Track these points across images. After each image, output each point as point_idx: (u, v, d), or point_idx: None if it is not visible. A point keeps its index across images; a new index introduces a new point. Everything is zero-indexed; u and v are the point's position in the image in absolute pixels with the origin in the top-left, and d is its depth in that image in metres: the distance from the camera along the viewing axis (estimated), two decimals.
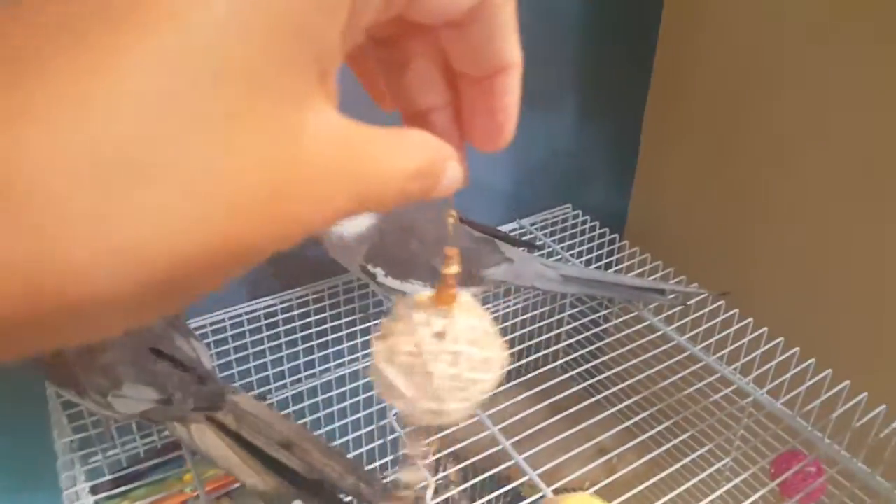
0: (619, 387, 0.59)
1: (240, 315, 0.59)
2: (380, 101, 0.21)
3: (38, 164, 0.11)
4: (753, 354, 0.58)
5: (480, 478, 0.51)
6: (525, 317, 0.70)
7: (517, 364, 0.63)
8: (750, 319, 0.61)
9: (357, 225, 0.55)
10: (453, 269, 0.23)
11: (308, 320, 0.61)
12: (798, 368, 0.56)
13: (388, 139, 0.16)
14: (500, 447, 0.51)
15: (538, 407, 0.57)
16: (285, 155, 0.14)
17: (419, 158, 0.17)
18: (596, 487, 0.50)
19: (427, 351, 0.22)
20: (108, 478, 0.49)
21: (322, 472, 0.44)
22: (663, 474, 0.51)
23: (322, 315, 0.62)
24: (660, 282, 0.66)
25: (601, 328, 0.65)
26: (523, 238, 0.73)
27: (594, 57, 0.77)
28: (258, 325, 0.60)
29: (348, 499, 0.47)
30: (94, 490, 0.48)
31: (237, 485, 0.45)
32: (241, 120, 0.13)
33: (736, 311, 0.62)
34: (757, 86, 0.69)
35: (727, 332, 0.60)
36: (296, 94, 0.14)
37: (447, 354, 0.22)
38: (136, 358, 0.45)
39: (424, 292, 0.24)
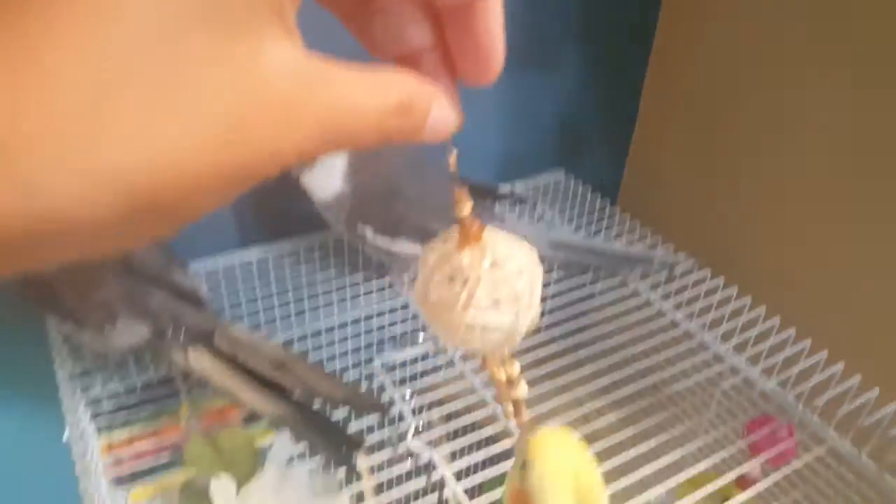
0: (600, 347, 0.60)
1: (233, 263, 0.61)
2: (369, 48, 0.21)
3: (33, 99, 0.13)
4: (735, 322, 0.59)
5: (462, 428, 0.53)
6: None
7: None
8: (734, 288, 0.62)
9: (333, 185, 0.55)
10: (467, 208, 0.24)
11: (298, 270, 0.62)
12: (778, 338, 0.57)
13: (361, 75, 0.17)
14: (479, 398, 0.52)
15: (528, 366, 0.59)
16: (245, 86, 0.15)
17: (396, 94, 0.18)
18: None
19: (498, 282, 0.23)
20: (107, 409, 0.51)
21: (313, 388, 0.46)
22: (638, 430, 0.52)
23: (312, 265, 0.63)
24: (648, 250, 0.67)
25: (586, 292, 0.66)
26: (515, 200, 0.73)
27: (596, 21, 0.76)
28: (250, 272, 0.61)
29: (336, 418, 0.49)
30: (94, 418, 0.49)
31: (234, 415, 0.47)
32: (203, 55, 0.14)
33: (721, 279, 0.63)
34: (758, 58, 0.69)
35: (710, 300, 0.61)
36: (254, 31, 0.15)
37: (514, 273, 0.23)
38: (130, 293, 0.46)
39: (441, 242, 0.24)
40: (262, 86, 0.15)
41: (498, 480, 0.42)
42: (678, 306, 0.62)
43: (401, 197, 0.56)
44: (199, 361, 0.47)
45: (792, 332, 0.57)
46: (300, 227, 0.65)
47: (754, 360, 0.57)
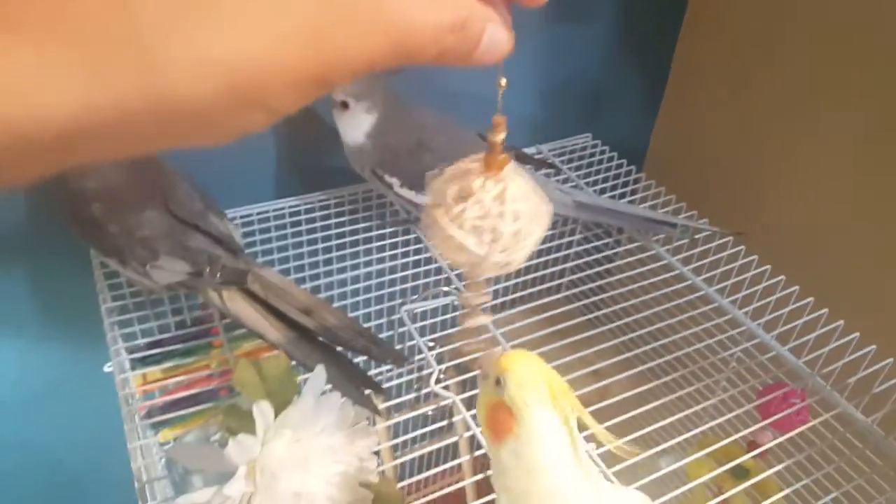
0: (621, 305, 0.61)
1: (267, 211, 0.63)
2: None
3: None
4: (754, 289, 0.60)
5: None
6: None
7: (524, 292, 0.65)
8: (755, 257, 0.62)
9: (362, 134, 0.57)
10: (501, 136, 0.25)
11: (328, 222, 0.65)
12: (796, 305, 0.58)
13: None
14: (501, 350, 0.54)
15: (542, 333, 0.60)
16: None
17: (452, 13, 0.19)
18: (590, 409, 0.53)
19: (492, 214, 0.25)
20: (143, 342, 0.54)
21: (336, 333, 0.49)
22: (652, 385, 0.54)
23: (342, 219, 0.65)
24: (671, 215, 0.67)
25: (607, 255, 0.67)
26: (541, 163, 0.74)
27: None
28: (283, 222, 0.63)
29: (358, 359, 0.52)
30: (129, 353, 0.52)
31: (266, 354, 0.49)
32: None
33: (742, 247, 0.64)
34: (787, 30, 0.68)
35: (730, 266, 0.62)
36: None
37: (509, 214, 0.25)
38: (171, 233, 0.49)
39: (469, 161, 0.26)
40: (342, 2, 0.17)
41: None
42: (698, 271, 0.63)
43: (428, 150, 0.58)
44: (233, 302, 0.50)
45: (810, 301, 0.58)
46: (332, 181, 0.67)
47: (770, 326, 0.58)
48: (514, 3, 0.22)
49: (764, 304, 0.59)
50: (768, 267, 0.62)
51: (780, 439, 0.53)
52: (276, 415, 0.34)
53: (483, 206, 0.25)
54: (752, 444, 0.57)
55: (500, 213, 0.25)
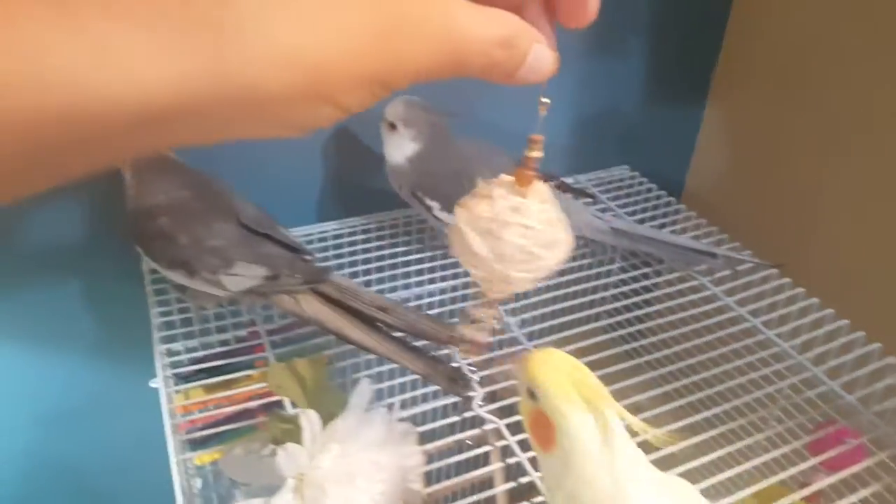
0: (660, 336, 0.60)
1: (310, 234, 0.65)
2: None
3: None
4: (801, 321, 0.59)
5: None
6: (574, 269, 0.71)
7: (562, 319, 0.65)
8: (801, 289, 0.61)
9: (403, 155, 0.59)
10: (536, 153, 0.25)
11: (369, 245, 0.65)
12: (846, 339, 0.57)
13: (476, 7, 0.20)
14: None
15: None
16: (391, 5, 0.18)
17: (503, 29, 0.20)
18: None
19: (502, 219, 0.25)
20: (186, 358, 0.54)
21: (417, 327, 0.50)
22: (693, 420, 0.52)
23: (382, 242, 0.66)
24: (712, 245, 0.66)
25: (646, 284, 0.66)
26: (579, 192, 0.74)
27: (665, 19, 0.77)
28: (325, 244, 0.65)
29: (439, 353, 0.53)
30: (172, 370, 0.52)
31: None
32: None
33: (788, 279, 0.62)
34: (828, 57, 0.68)
35: (777, 298, 0.61)
36: None
37: (519, 227, 0.25)
38: (244, 242, 0.50)
39: (504, 176, 0.26)
40: (407, 8, 0.18)
41: None
42: (742, 303, 0.62)
43: (468, 177, 0.58)
44: (309, 305, 0.51)
45: (861, 334, 0.56)
46: (374, 205, 0.69)
47: (819, 360, 0.57)
48: (559, 25, 0.23)
49: (812, 338, 0.58)
50: (816, 299, 0.60)
51: (834, 479, 0.51)
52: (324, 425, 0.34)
53: (494, 209, 0.25)
54: (802, 485, 0.54)
55: (511, 222, 0.25)
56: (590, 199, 0.72)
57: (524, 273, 0.26)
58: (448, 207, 0.58)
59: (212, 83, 0.16)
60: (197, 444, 0.52)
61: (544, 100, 0.25)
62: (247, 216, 0.52)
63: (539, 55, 0.21)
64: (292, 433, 0.33)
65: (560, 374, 0.29)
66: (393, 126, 0.57)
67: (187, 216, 0.50)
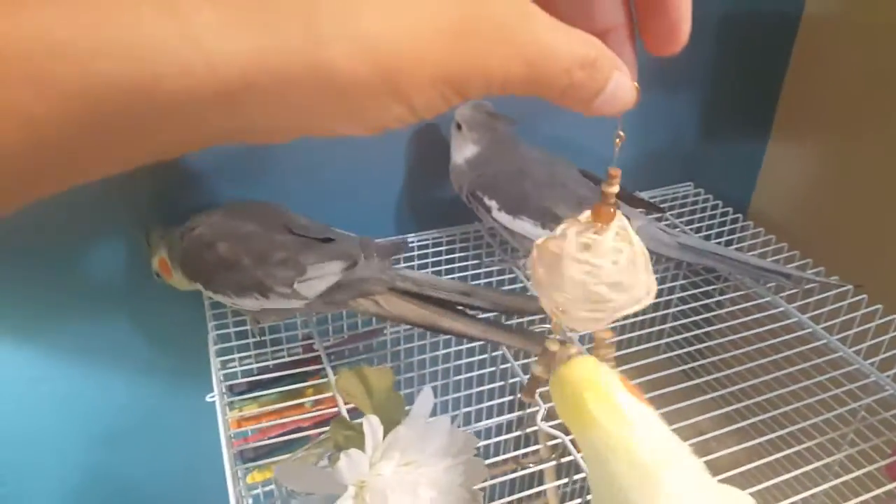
0: (722, 356, 0.58)
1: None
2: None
3: None
4: (880, 339, 0.56)
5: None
6: None
7: (622, 337, 0.64)
8: (879, 306, 0.58)
9: (466, 153, 0.61)
10: (614, 187, 0.24)
11: (440, 258, 0.67)
12: None
13: (561, 25, 0.19)
14: None
15: (638, 381, 0.57)
16: (473, 5, 0.18)
17: (586, 48, 0.19)
18: None
19: (568, 255, 0.24)
20: (239, 369, 0.55)
21: (504, 304, 0.49)
22: (758, 441, 0.50)
23: (452, 255, 0.67)
24: (782, 264, 0.64)
25: (708, 303, 0.64)
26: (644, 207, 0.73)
27: (734, 36, 0.75)
28: (397, 257, 0.65)
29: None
30: (229, 381, 0.53)
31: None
32: None
33: (864, 296, 0.60)
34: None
35: (852, 315, 0.58)
36: None
37: (585, 265, 0.24)
38: (308, 248, 0.50)
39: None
40: (484, 5, 0.18)
41: None
42: (816, 320, 0.60)
43: (528, 177, 0.59)
44: (390, 303, 0.50)
45: None
46: (446, 219, 0.70)
47: None
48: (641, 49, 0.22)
49: (892, 357, 0.55)
50: (894, 317, 0.57)
51: None
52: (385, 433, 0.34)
53: (564, 244, 0.24)
54: None
55: (578, 259, 0.24)
56: (658, 215, 0.71)
57: (588, 313, 0.24)
58: (508, 208, 0.59)
59: (285, 61, 0.16)
60: (252, 459, 0.52)
61: (620, 132, 0.24)
62: (300, 227, 0.51)
63: (620, 84, 0.20)
64: (354, 440, 0.34)
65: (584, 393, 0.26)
66: (459, 127, 0.60)
67: (244, 237, 0.49)
